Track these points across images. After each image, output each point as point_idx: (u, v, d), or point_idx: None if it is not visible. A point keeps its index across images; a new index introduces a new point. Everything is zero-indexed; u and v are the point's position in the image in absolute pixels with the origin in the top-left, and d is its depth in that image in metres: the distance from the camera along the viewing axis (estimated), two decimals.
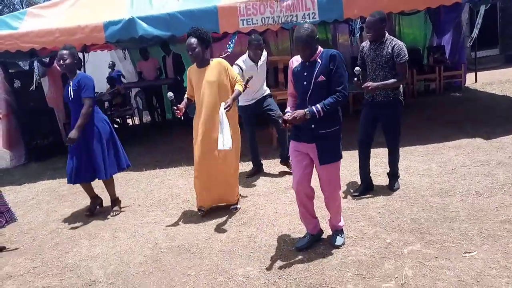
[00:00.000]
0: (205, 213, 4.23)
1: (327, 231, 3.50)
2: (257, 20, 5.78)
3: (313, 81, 3.04)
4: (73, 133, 4.20)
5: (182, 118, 4.17)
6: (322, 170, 3.17)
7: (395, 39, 4.08)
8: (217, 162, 4.09)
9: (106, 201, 4.80)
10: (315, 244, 3.36)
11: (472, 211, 3.62)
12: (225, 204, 4.35)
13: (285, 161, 5.31)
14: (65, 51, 4.30)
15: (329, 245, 3.33)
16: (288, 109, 3.25)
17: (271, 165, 5.63)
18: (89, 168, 4.37)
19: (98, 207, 4.77)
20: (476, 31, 6.15)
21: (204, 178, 4.12)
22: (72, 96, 4.27)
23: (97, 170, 4.37)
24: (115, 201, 4.71)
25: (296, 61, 3.20)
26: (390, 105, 4.10)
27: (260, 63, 5.07)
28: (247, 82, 4.44)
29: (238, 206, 4.32)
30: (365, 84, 3.96)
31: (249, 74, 4.72)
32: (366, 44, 4.21)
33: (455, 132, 6.10)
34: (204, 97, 4.02)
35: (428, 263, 2.93)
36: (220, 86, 4.04)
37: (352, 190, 4.40)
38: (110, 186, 4.64)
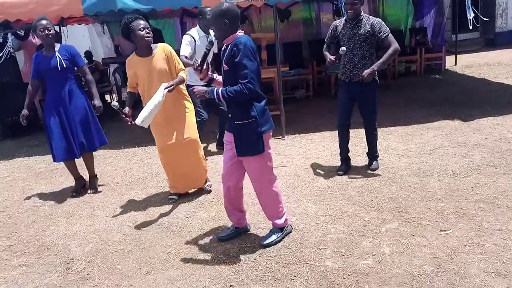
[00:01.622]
0: (177, 200, 4.08)
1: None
2: None
3: (222, 68, 2.91)
4: (98, 102, 4.28)
5: (132, 123, 3.67)
6: (244, 162, 3.00)
7: (370, 16, 4.07)
8: (182, 152, 3.89)
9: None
10: (239, 236, 3.28)
11: (449, 191, 3.69)
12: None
13: (221, 145, 5.26)
14: (46, 21, 4.15)
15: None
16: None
17: None
18: (75, 143, 4.29)
19: (82, 188, 4.66)
20: (471, 13, 6.10)
21: (172, 168, 4.00)
22: (65, 66, 4.18)
23: (83, 143, 4.32)
24: (94, 178, 4.63)
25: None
26: (368, 85, 4.08)
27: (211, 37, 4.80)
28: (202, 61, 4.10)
29: (209, 183, 4.27)
30: (364, 73, 3.88)
31: (202, 47, 4.51)
32: (340, 23, 4.15)
33: (434, 113, 6.18)
34: (152, 86, 3.72)
35: (404, 241, 2.99)
36: (171, 73, 3.79)
37: (332, 171, 4.43)
38: (90, 161, 4.57)
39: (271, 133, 3.05)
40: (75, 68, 4.33)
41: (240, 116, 2.91)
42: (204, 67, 3.00)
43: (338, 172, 4.31)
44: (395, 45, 3.96)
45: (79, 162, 4.57)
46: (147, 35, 3.64)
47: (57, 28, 8.64)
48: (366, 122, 4.29)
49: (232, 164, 3.06)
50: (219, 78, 3.10)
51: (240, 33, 2.90)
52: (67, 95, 4.23)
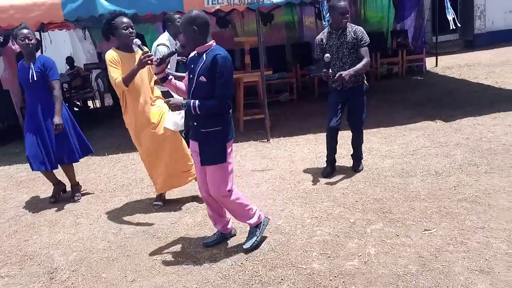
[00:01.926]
0: (162, 206, 4.04)
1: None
2: (222, 0, 5.66)
3: (195, 78, 2.84)
4: (57, 120, 4.08)
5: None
6: (206, 170, 2.97)
7: (352, 24, 4.15)
8: (167, 149, 3.87)
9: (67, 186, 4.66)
10: (224, 241, 3.27)
11: (432, 190, 3.74)
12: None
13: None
14: (28, 30, 4.09)
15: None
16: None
17: (238, 149, 5.62)
18: (52, 154, 4.21)
19: (61, 193, 4.60)
20: (450, 14, 6.19)
21: (163, 169, 3.91)
22: (35, 79, 4.07)
23: (60, 155, 4.23)
24: (76, 186, 4.57)
25: (193, 51, 3.00)
26: (359, 90, 4.17)
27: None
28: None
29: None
30: (338, 74, 3.87)
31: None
32: (323, 35, 4.17)
33: (417, 114, 6.27)
34: (143, 83, 3.73)
35: (389, 241, 3.01)
36: (150, 71, 3.76)
37: (317, 173, 4.46)
38: (70, 171, 4.50)
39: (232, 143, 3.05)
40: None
41: (207, 125, 2.87)
42: (158, 63, 2.91)
43: (324, 175, 4.33)
44: (368, 58, 4.07)
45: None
46: (131, 34, 3.63)
47: (37, 34, 8.53)
48: (355, 125, 4.31)
49: (202, 174, 3.03)
50: (179, 84, 3.03)
51: (213, 43, 2.87)
52: (43, 107, 4.13)
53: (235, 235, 3.33)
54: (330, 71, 3.92)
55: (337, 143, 4.36)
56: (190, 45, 2.90)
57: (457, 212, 3.32)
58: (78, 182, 4.62)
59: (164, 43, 4.50)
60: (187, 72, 3.01)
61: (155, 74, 3.01)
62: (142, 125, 3.79)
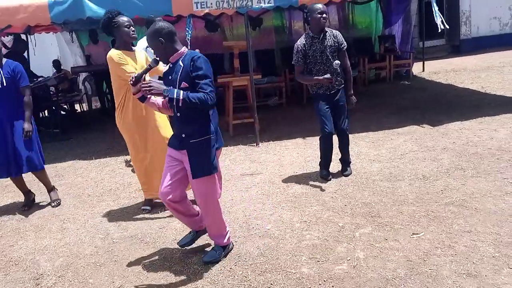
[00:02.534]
0: (150, 211, 4.01)
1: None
2: (211, 3, 5.65)
3: (177, 87, 2.77)
4: (27, 126, 4.05)
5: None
6: (195, 183, 2.88)
7: (330, 28, 4.20)
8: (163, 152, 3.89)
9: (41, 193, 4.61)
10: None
11: (419, 194, 3.78)
12: None
13: None
14: None
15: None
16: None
17: (227, 153, 5.60)
18: (20, 161, 4.14)
19: (32, 202, 4.51)
20: (438, 17, 6.28)
21: (157, 173, 3.85)
22: (4, 84, 4.01)
23: (30, 161, 4.17)
24: (52, 190, 4.51)
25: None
26: (343, 93, 4.23)
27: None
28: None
29: None
30: (352, 101, 4.15)
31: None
32: (304, 41, 4.12)
33: (404, 119, 6.33)
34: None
35: (378, 245, 3.03)
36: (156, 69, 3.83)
37: (306, 177, 4.47)
38: (44, 176, 4.43)
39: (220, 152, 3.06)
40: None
41: (197, 134, 2.82)
42: (140, 83, 2.82)
43: (328, 178, 4.30)
44: (348, 62, 4.21)
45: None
46: (133, 33, 3.67)
47: (24, 37, 8.43)
48: (342, 129, 4.31)
49: (176, 180, 2.94)
50: (156, 100, 2.97)
51: (185, 49, 2.86)
52: (9, 112, 4.07)
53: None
54: (329, 76, 3.97)
55: (332, 147, 4.35)
56: (163, 57, 2.86)
57: (444, 216, 3.35)
58: (54, 186, 4.57)
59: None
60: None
61: (133, 94, 2.90)
62: (141, 126, 3.81)
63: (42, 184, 4.52)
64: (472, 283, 2.51)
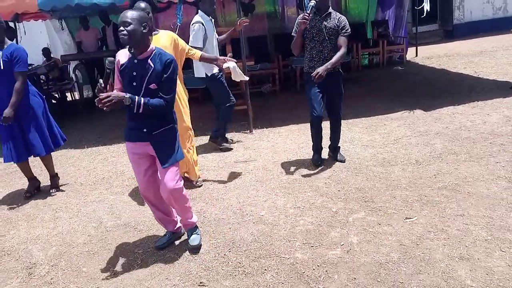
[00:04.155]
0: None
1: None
2: None
3: (144, 86, 2.66)
4: (8, 112, 3.88)
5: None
6: (163, 172, 2.81)
7: (337, 12, 4.13)
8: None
9: (45, 181, 4.56)
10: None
11: (413, 179, 3.78)
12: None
13: (214, 139, 5.22)
14: None
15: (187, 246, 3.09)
16: None
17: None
18: (27, 145, 4.09)
19: (36, 190, 4.48)
20: (428, 2, 6.29)
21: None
22: (2, 67, 3.91)
23: (35, 146, 4.10)
24: (54, 177, 4.48)
25: (124, 55, 2.73)
26: (336, 77, 4.15)
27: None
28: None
29: (199, 178, 4.23)
30: (314, 73, 3.83)
31: (210, 34, 4.51)
32: (306, 16, 4.01)
33: (397, 104, 6.32)
34: None
35: (371, 230, 3.04)
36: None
37: (300, 163, 4.46)
38: (49, 162, 4.40)
39: None
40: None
41: (159, 125, 2.75)
42: (108, 88, 2.73)
43: (318, 163, 4.30)
44: (345, 49, 4.06)
45: (38, 162, 4.40)
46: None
47: (12, 24, 8.27)
48: (335, 114, 4.29)
49: (148, 177, 2.89)
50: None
51: (154, 47, 2.74)
52: (10, 99, 3.94)
53: (184, 234, 3.24)
54: (310, 14, 3.86)
55: (322, 131, 4.35)
56: (135, 47, 2.66)
57: (437, 200, 3.36)
58: (57, 174, 4.53)
59: (198, 20, 4.57)
60: (122, 80, 2.73)
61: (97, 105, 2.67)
62: None
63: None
64: (464, 266, 2.53)
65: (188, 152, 4.05)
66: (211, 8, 4.72)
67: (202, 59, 4.06)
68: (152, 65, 2.66)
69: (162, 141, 2.79)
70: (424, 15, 6.27)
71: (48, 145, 4.22)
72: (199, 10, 4.75)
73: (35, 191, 4.45)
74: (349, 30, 4.07)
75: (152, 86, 2.67)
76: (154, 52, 2.70)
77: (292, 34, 4.19)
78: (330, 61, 3.96)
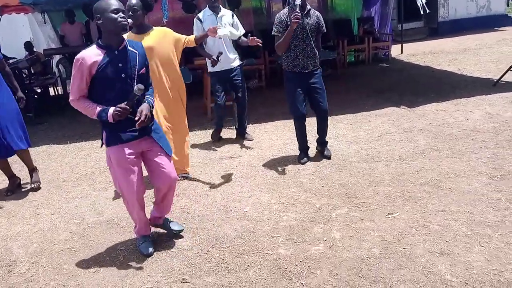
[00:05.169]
0: None
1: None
2: None
3: (136, 73, 2.65)
4: (20, 93, 3.98)
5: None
6: (166, 159, 2.86)
7: (312, 8, 4.14)
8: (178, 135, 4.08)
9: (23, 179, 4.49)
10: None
11: (396, 175, 3.82)
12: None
13: (242, 134, 5.29)
14: None
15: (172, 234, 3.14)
16: (110, 110, 2.60)
17: (206, 135, 5.56)
18: (7, 141, 4.02)
19: (17, 187, 4.40)
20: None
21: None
22: None
23: (19, 139, 4.04)
24: (34, 170, 4.41)
25: (93, 55, 2.56)
26: (319, 73, 4.20)
27: (222, 15, 4.83)
28: (217, 57, 4.46)
29: (186, 174, 4.24)
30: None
31: (210, 26, 4.51)
32: (288, 12, 4.03)
33: (382, 101, 6.37)
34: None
35: (354, 225, 3.06)
36: (158, 53, 3.75)
37: (285, 160, 4.46)
38: (27, 155, 4.32)
39: None
40: None
41: (152, 116, 2.80)
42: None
43: (302, 161, 4.29)
44: (320, 42, 4.24)
45: (17, 159, 4.32)
46: (129, 13, 3.53)
47: None
48: (322, 109, 4.25)
49: (141, 177, 2.83)
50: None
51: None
52: None
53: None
54: (299, 13, 3.82)
55: (306, 129, 4.35)
56: (114, 37, 2.60)
57: (419, 196, 3.40)
58: (36, 167, 4.46)
59: (198, 15, 4.82)
60: (98, 80, 2.61)
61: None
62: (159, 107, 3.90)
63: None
64: (444, 261, 2.56)
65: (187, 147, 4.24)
66: (210, 2, 4.80)
67: (197, 40, 4.05)
68: (135, 51, 2.67)
69: (159, 131, 2.88)
70: (422, 13, 6.30)
71: (27, 138, 4.15)
72: (207, 5, 4.88)
73: (16, 189, 4.37)
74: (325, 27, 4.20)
75: (142, 71, 2.69)
76: (126, 41, 2.69)
77: (274, 34, 4.14)
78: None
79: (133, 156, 2.74)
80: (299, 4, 3.84)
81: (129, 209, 2.95)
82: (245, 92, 5.21)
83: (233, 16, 4.93)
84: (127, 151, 2.71)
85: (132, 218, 3.02)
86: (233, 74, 4.98)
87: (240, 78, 5.05)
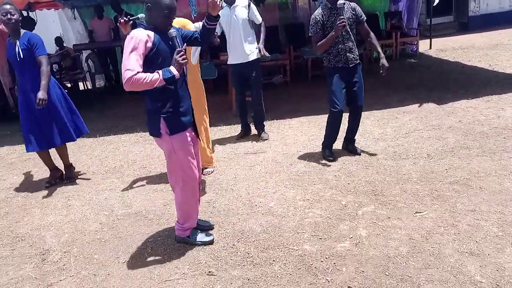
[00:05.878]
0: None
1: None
2: None
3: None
4: (41, 94, 3.90)
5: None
6: (198, 143, 3.02)
7: (346, 1, 4.08)
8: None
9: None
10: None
11: (424, 173, 3.76)
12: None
13: (258, 132, 5.27)
14: (10, 6, 3.96)
15: None
16: (169, 68, 2.65)
17: (231, 131, 5.59)
18: (52, 132, 4.15)
19: (58, 180, 4.51)
20: None
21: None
22: (22, 56, 3.96)
23: (51, 136, 4.16)
24: (70, 167, 4.53)
25: (147, 35, 2.59)
26: (360, 68, 4.17)
27: (237, 6, 4.74)
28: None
29: (210, 169, 4.27)
30: (385, 67, 4.01)
31: (224, 21, 4.51)
32: (322, 11, 4.02)
33: (410, 97, 6.26)
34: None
35: (381, 223, 3.03)
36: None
37: (310, 156, 4.45)
38: (64, 152, 4.45)
39: None
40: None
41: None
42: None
43: (329, 158, 4.26)
44: (371, 32, 4.13)
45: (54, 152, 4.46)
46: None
47: (26, 13, 8.34)
48: (358, 105, 4.22)
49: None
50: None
51: None
52: (32, 86, 4.01)
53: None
54: (344, 18, 3.83)
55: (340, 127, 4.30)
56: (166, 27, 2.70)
57: (448, 195, 3.34)
58: (72, 164, 4.58)
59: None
60: (153, 61, 2.63)
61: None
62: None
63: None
64: (474, 262, 2.52)
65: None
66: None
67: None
68: (175, 31, 2.68)
69: None
70: (434, 4, 6.18)
71: (64, 135, 4.25)
72: None
73: (56, 181, 4.47)
74: (364, 15, 4.13)
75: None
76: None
77: (312, 35, 4.11)
78: (381, 53, 4.11)
79: (191, 139, 2.85)
80: (342, 8, 3.84)
81: (189, 200, 2.92)
82: (260, 88, 5.08)
83: (249, 5, 4.80)
84: (188, 137, 2.79)
85: (186, 213, 2.97)
86: (248, 69, 4.89)
87: (254, 74, 4.93)
